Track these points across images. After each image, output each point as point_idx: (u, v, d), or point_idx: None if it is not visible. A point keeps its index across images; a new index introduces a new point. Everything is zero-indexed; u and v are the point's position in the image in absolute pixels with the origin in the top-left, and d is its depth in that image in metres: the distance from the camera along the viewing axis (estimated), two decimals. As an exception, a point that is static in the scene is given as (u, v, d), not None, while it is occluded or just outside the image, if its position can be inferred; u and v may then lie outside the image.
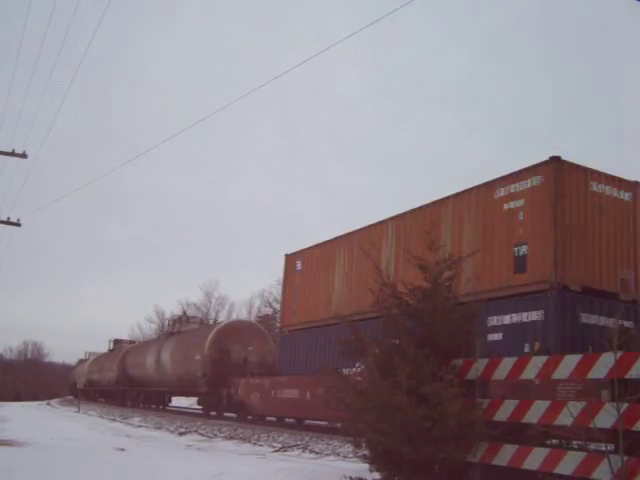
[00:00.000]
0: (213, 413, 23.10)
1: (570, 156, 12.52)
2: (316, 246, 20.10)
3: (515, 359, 5.73)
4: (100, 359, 43.56)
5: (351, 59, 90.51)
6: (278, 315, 35.19)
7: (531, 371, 5.45)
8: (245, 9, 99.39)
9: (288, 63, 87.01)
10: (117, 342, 42.92)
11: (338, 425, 9.72)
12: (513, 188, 13.01)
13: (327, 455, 10.67)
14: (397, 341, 6.14)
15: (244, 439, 14.51)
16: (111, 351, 42.24)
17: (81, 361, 52.42)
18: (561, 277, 11.90)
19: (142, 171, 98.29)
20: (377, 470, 6.26)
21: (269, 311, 54.26)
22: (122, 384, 34.98)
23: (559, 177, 12.28)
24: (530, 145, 76.57)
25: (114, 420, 23.24)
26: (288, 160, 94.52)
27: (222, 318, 55.23)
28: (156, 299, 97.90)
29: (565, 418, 4.94)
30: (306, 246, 20.82)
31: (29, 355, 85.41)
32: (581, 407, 4.90)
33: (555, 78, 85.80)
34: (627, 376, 4.65)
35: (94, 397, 42.57)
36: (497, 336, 12.34)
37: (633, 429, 4.52)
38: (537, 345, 11.73)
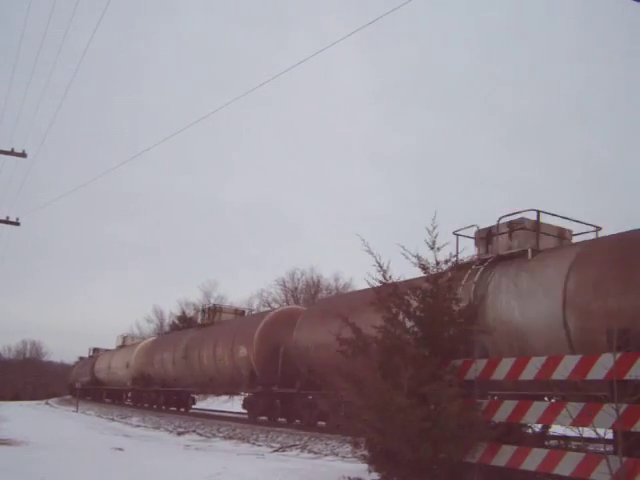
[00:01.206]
0: None
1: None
2: None
3: (514, 359, 5.72)
4: (171, 341, 26.16)
5: (350, 59, 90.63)
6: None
7: (530, 371, 5.44)
8: (245, 9, 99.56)
9: (287, 63, 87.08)
10: (215, 310, 23.60)
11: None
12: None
13: (326, 455, 10.65)
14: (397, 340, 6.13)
15: (243, 439, 14.47)
16: (196, 327, 24.71)
17: (97, 351, 39.07)
18: None
19: (141, 171, 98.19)
20: (376, 470, 6.26)
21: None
22: (255, 381, 18.14)
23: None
24: (529, 145, 76.69)
25: (112, 420, 23.18)
26: (287, 160, 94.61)
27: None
28: (155, 299, 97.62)
29: (564, 419, 4.93)
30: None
31: (28, 354, 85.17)
32: (580, 408, 4.89)
33: (555, 78, 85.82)
34: (626, 377, 4.65)
35: (157, 402, 27.17)
36: None
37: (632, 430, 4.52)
38: None
